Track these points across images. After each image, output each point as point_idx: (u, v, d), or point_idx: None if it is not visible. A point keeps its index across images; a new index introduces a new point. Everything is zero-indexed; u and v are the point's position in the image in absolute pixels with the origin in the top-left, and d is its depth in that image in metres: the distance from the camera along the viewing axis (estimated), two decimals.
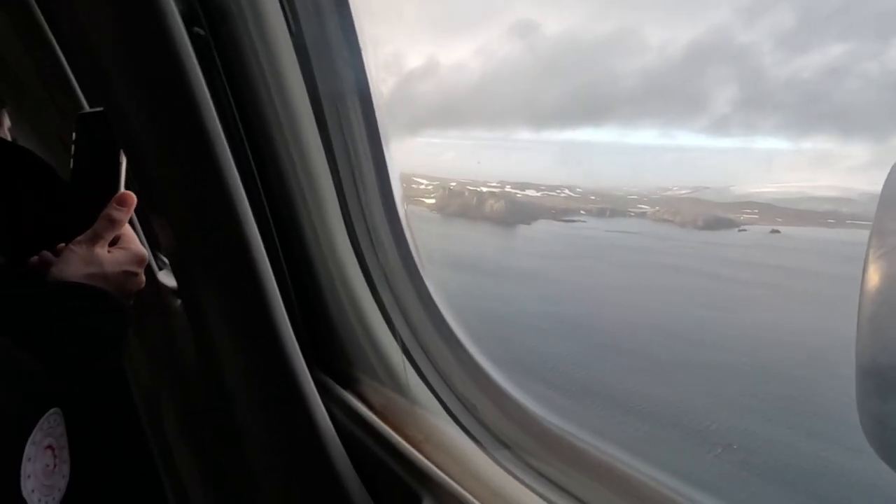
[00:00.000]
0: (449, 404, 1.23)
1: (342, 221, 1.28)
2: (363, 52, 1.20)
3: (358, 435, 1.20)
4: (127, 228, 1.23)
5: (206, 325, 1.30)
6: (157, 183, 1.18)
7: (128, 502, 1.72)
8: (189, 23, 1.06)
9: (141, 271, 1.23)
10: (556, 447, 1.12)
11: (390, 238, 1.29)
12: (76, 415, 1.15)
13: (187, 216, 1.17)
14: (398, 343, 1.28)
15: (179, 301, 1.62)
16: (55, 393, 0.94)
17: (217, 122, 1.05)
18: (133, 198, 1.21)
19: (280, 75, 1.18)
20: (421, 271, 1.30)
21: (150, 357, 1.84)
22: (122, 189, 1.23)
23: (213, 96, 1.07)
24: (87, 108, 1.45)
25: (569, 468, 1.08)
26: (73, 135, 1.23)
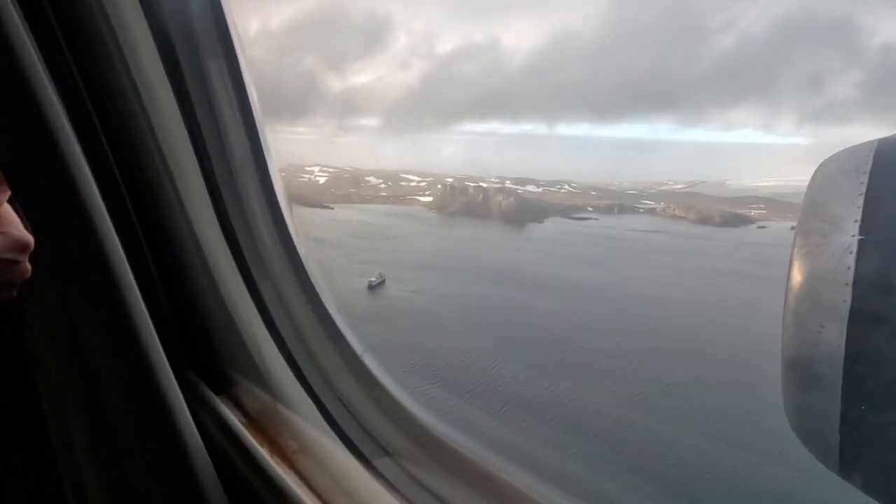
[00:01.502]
0: (330, 408, 1.12)
1: (214, 213, 1.15)
2: (233, 38, 1.09)
3: (226, 447, 1.08)
4: (6, 211, 1.08)
5: (76, 327, 1.19)
6: (8, 171, 1.06)
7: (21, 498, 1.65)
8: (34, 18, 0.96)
9: (24, 259, 1.09)
10: (440, 455, 1.03)
11: (271, 226, 1.17)
12: None
13: (31, 204, 1.04)
14: (275, 343, 1.16)
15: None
16: None
17: (58, 106, 0.92)
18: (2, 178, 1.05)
19: (136, 56, 1.06)
20: (305, 263, 1.18)
21: (57, 357, 1.76)
22: None
23: (53, 73, 0.96)
24: None
25: (452, 477, 0.99)
26: None
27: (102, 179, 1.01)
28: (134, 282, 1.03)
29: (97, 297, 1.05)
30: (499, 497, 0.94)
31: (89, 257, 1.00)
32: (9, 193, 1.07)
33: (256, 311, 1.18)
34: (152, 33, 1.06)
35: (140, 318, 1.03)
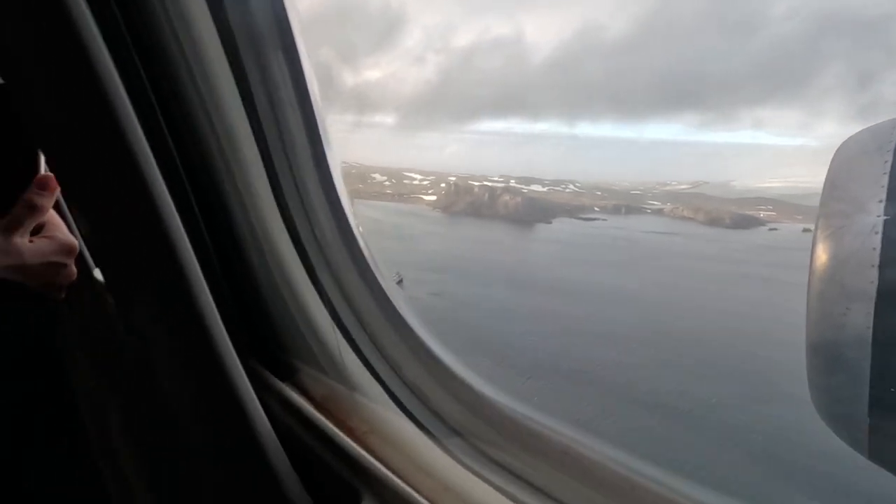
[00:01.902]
0: (396, 392, 1.13)
1: (273, 198, 1.17)
2: (294, 32, 1.11)
3: (295, 429, 1.09)
4: (52, 216, 1.11)
5: (135, 321, 1.21)
6: (69, 173, 1.09)
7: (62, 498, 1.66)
8: (102, 13, 0.97)
9: (70, 262, 1.12)
10: (510, 432, 1.05)
11: (328, 214, 1.19)
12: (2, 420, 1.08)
13: (101, 209, 1.07)
14: (338, 329, 1.17)
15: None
16: None
17: (127, 103, 0.94)
18: (55, 182, 1.09)
19: (201, 52, 1.08)
20: (364, 250, 1.19)
21: (94, 357, 1.77)
22: (43, 171, 1.09)
23: (123, 78, 0.97)
24: None
25: (526, 454, 0.99)
26: None
27: (168, 175, 1.03)
28: (202, 274, 1.05)
29: (165, 288, 1.07)
30: (576, 469, 0.94)
31: (160, 249, 1.02)
32: (54, 199, 1.10)
33: (318, 299, 1.20)
34: (217, 30, 1.08)
35: (207, 307, 1.06)
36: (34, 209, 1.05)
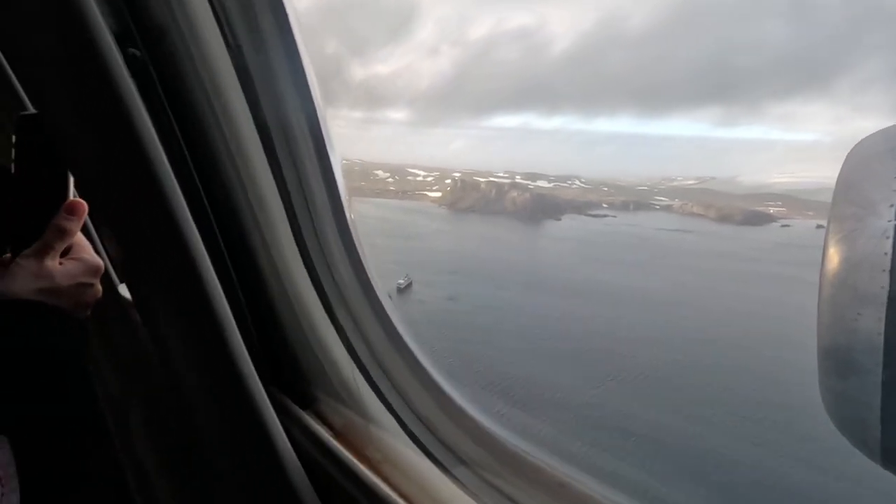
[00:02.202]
0: (408, 423, 1.23)
1: (293, 239, 1.26)
2: (306, 67, 1.19)
3: (316, 457, 1.19)
4: (79, 237, 1.16)
5: (163, 344, 1.29)
6: (101, 202, 1.16)
7: None
8: (123, 43, 1.04)
9: (96, 282, 1.16)
10: (512, 463, 1.14)
11: (343, 254, 1.28)
12: (34, 437, 1.15)
13: (131, 236, 1.14)
14: (353, 362, 1.26)
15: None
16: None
17: (156, 139, 1.01)
18: (84, 206, 1.13)
19: (221, 93, 1.16)
20: (375, 287, 1.28)
21: (118, 369, 1.83)
22: (72, 197, 1.14)
23: (151, 115, 1.04)
24: (30, 110, 1.26)
25: (526, 485, 1.08)
26: (14, 138, 1.12)
27: (193, 208, 1.11)
28: (226, 301, 1.13)
29: (192, 315, 1.15)
30: (570, 500, 1.03)
31: (185, 277, 1.11)
32: (82, 222, 1.14)
33: (335, 332, 1.29)
34: (241, 87, 1.17)
35: (232, 336, 1.14)
36: (64, 233, 1.10)
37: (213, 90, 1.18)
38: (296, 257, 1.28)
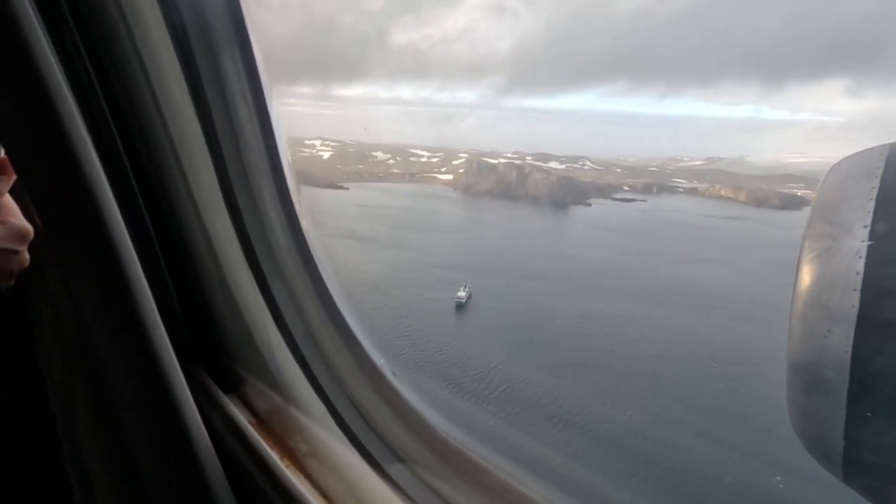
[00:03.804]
0: (341, 411, 1.10)
1: (226, 209, 1.12)
2: (246, 24, 1.05)
3: (235, 448, 1.06)
4: (7, 200, 1.07)
5: (81, 317, 1.18)
6: (18, 161, 1.03)
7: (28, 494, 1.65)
8: None
9: (23, 249, 1.08)
10: (454, 463, 1.00)
11: (284, 226, 1.14)
12: None
13: (45, 203, 1.03)
14: (286, 342, 1.13)
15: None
16: None
17: (68, 97, 0.89)
18: (9, 166, 1.04)
19: (151, 46, 1.03)
20: (318, 262, 1.14)
21: (62, 345, 1.76)
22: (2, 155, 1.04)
23: (65, 64, 0.94)
24: None
25: (466, 487, 0.96)
26: None
27: (113, 174, 0.99)
28: (144, 277, 1.01)
29: (106, 291, 1.03)
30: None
31: (99, 251, 0.98)
32: (10, 183, 1.05)
33: (268, 309, 1.16)
34: (167, 23, 1.04)
35: (149, 313, 1.01)
36: None
37: (143, 50, 1.05)
38: (228, 228, 1.14)
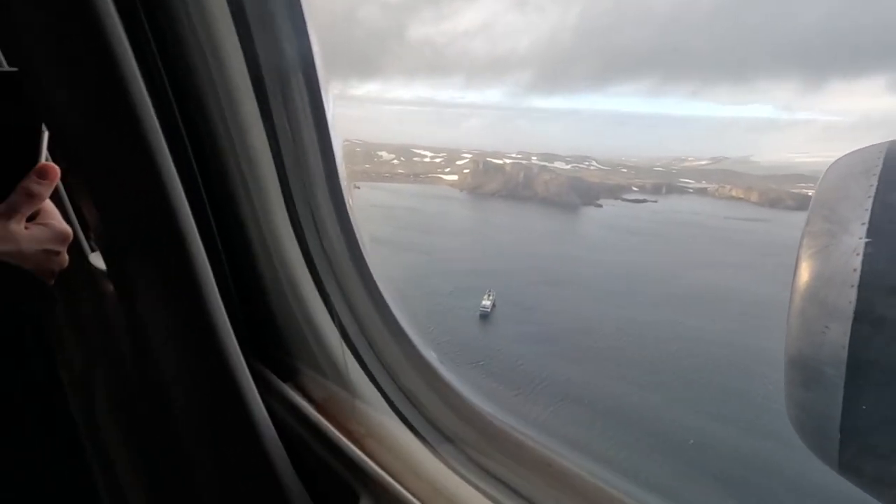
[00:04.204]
0: (393, 398, 1.19)
1: (284, 207, 1.21)
2: (307, 24, 1.13)
3: (297, 430, 1.15)
4: (48, 204, 1.12)
5: (138, 313, 1.24)
6: (81, 160, 1.11)
7: (50, 489, 1.69)
8: None
9: (63, 250, 1.13)
10: (499, 441, 1.09)
11: (336, 224, 1.23)
12: None
13: (113, 198, 1.10)
14: (340, 335, 1.22)
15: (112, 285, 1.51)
16: None
17: (145, 95, 0.97)
18: (56, 170, 1.09)
19: (217, 45, 1.12)
20: (367, 260, 1.24)
21: (83, 341, 1.82)
22: (44, 160, 1.10)
23: (141, 66, 0.99)
24: (4, 67, 1.25)
25: (512, 462, 1.05)
26: None
27: (182, 173, 1.06)
28: (210, 270, 1.09)
29: (172, 284, 1.12)
30: (559, 481, 0.99)
31: (166, 243, 1.06)
32: (52, 187, 1.11)
33: (323, 305, 1.25)
34: (241, 44, 1.12)
35: (214, 306, 1.09)
36: (32, 196, 1.06)
37: (206, 40, 1.12)
38: (286, 225, 1.23)
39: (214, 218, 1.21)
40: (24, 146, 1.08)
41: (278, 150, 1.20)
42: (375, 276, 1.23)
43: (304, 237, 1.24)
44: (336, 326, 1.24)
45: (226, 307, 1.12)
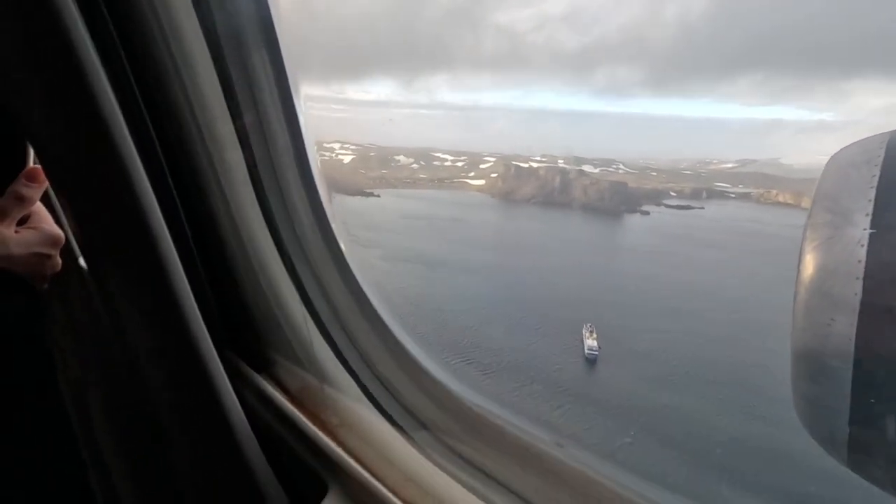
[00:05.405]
0: (368, 385, 1.17)
1: (254, 193, 1.19)
2: (273, 18, 1.12)
3: (269, 421, 1.13)
4: (39, 207, 1.13)
5: (115, 311, 1.20)
6: (52, 163, 1.07)
7: (47, 490, 1.69)
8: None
9: (55, 253, 1.15)
10: (476, 427, 1.07)
11: (308, 210, 1.20)
12: None
13: (86, 200, 1.07)
14: (313, 323, 1.19)
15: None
16: None
17: (113, 100, 0.94)
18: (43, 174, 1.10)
19: (186, 51, 1.10)
20: (341, 245, 1.20)
21: (77, 343, 1.84)
22: (32, 164, 1.10)
23: (107, 67, 0.98)
24: None
25: (489, 449, 1.03)
26: None
27: (150, 168, 1.04)
28: (180, 263, 1.07)
29: (145, 278, 1.09)
30: (537, 466, 0.96)
31: (139, 240, 1.04)
32: (42, 191, 1.12)
33: (295, 292, 1.22)
34: (202, 30, 1.10)
35: (184, 297, 1.07)
36: (21, 200, 1.07)
37: (178, 54, 1.12)
38: (256, 210, 1.20)
39: (185, 213, 1.19)
40: (12, 151, 1.08)
41: (247, 139, 1.17)
42: (350, 265, 1.20)
43: (276, 225, 1.21)
44: (309, 315, 1.21)
45: (198, 300, 1.09)
